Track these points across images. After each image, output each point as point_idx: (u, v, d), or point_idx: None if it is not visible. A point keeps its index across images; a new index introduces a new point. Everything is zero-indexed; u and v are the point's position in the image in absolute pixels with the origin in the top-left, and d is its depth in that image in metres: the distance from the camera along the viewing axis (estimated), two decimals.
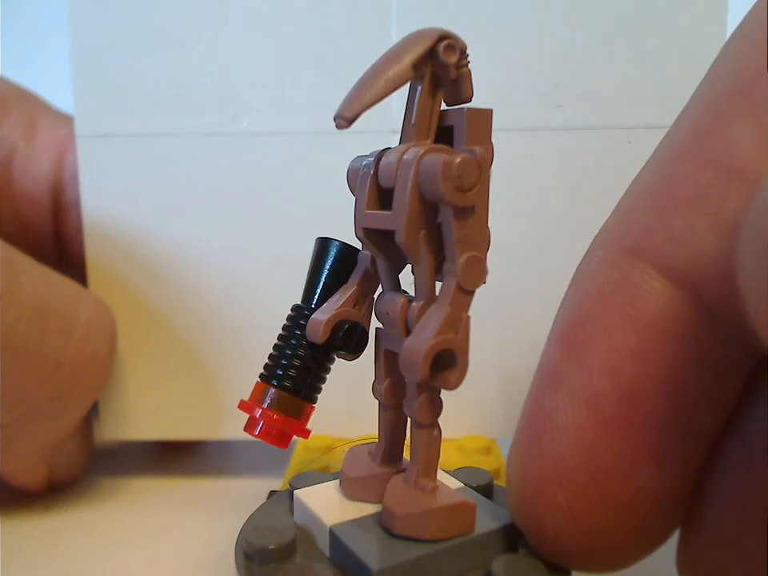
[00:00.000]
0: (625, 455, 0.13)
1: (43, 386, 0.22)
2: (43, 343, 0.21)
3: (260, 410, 0.17)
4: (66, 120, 0.28)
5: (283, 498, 0.18)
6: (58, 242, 0.28)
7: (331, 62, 0.25)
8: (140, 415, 0.27)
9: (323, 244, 0.18)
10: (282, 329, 0.18)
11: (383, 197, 0.15)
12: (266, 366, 0.18)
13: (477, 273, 0.14)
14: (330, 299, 0.17)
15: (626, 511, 0.13)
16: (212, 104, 0.25)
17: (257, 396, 0.17)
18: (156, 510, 0.25)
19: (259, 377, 0.18)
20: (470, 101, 0.15)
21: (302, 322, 0.17)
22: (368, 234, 0.15)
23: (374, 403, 0.17)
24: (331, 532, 0.15)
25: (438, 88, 0.15)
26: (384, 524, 0.15)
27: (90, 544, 0.22)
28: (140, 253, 0.26)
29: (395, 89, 0.14)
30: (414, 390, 0.15)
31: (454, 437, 0.26)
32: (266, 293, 0.26)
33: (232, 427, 0.27)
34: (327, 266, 0.17)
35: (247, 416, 0.17)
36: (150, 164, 0.26)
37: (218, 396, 0.27)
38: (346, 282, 0.17)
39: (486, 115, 0.14)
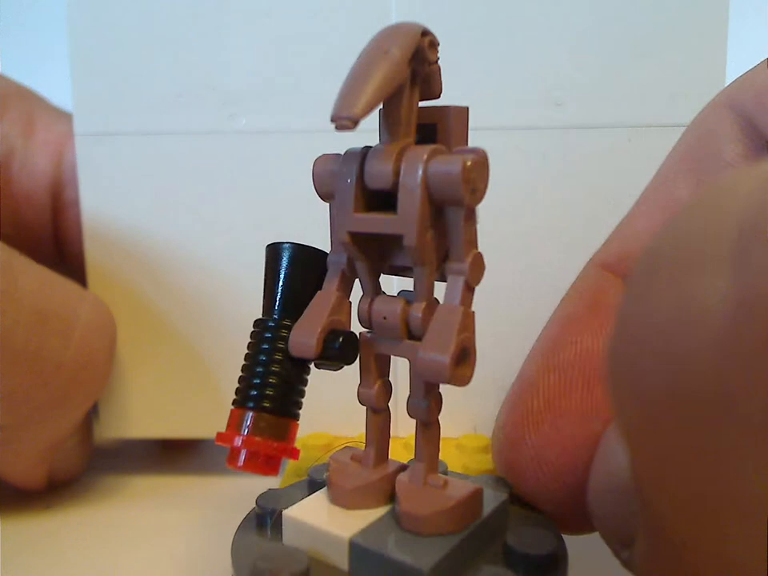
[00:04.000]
0: (579, 403, 0.16)
1: (43, 387, 0.22)
2: (42, 345, 0.21)
3: (240, 438, 0.15)
4: (64, 117, 0.27)
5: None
6: (56, 241, 0.28)
7: (330, 60, 0.24)
8: (140, 413, 0.27)
9: (275, 250, 0.16)
10: (248, 347, 0.16)
11: (369, 200, 0.15)
12: (237, 391, 0.16)
13: (480, 270, 0.15)
14: (308, 308, 0.16)
15: (581, 450, 0.16)
16: (211, 102, 0.25)
17: (234, 424, 0.16)
18: (156, 509, 0.25)
19: (232, 403, 0.16)
20: (439, 97, 0.15)
21: (267, 335, 0.16)
22: (355, 238, 0.15)
23: None
24: (353, 544, 0.14)
25: (416, 84, 0.14)
26: (406, 526, 0.15)
27: (91, 542, 0.23)
28: (140, 252, 0.26)
29: (394, 88, 0.13)
30: (421, 392, 0.15)
31: (453, 435, 0.26)
32: None
33: None
34: (288, 272, 0.16)
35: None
36: (149, 162, 0.26)
37: (218, 394, 0.27)
38: (307, 284, 0.16)
39: (465, 113, 0.15)
